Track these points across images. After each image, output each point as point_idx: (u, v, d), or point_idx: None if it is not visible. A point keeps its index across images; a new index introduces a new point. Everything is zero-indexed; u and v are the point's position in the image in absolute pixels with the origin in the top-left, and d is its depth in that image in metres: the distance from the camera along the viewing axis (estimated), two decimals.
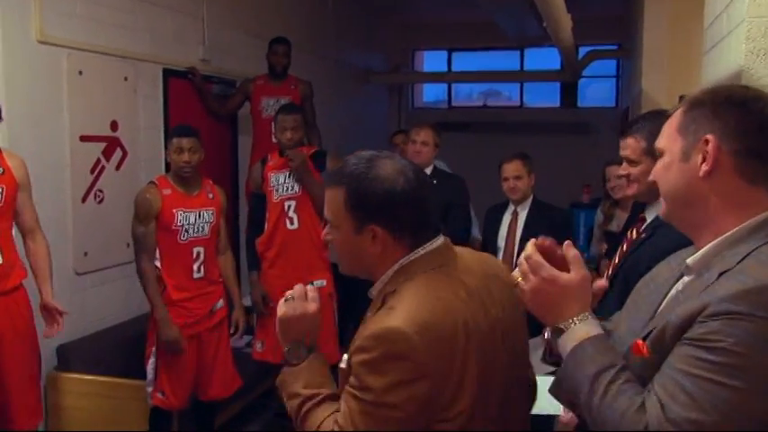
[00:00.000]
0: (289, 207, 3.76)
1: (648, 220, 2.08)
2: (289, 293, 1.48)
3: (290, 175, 3.73)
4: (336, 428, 1.29)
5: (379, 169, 1.36)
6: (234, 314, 3.55)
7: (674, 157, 1.18)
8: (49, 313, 3.05)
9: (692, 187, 1.15)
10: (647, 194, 2.04)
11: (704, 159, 1.13)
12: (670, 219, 1.24)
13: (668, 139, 1.20)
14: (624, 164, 2.10)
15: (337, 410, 1.32)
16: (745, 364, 0.99)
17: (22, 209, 2.99)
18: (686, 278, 1.20)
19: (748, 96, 1.14)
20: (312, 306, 1.46)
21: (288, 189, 3.75)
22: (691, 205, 1.17)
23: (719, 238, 1.14)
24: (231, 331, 3.54)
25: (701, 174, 1.13)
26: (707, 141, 1.12)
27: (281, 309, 1.46)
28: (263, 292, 3.80)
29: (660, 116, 2.09)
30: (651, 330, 1.13)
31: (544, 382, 1.53)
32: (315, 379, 1.41)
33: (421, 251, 1.37)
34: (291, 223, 3.76)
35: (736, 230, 1.12)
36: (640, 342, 1.14)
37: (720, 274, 1.08)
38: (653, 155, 2.01)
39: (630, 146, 2.08)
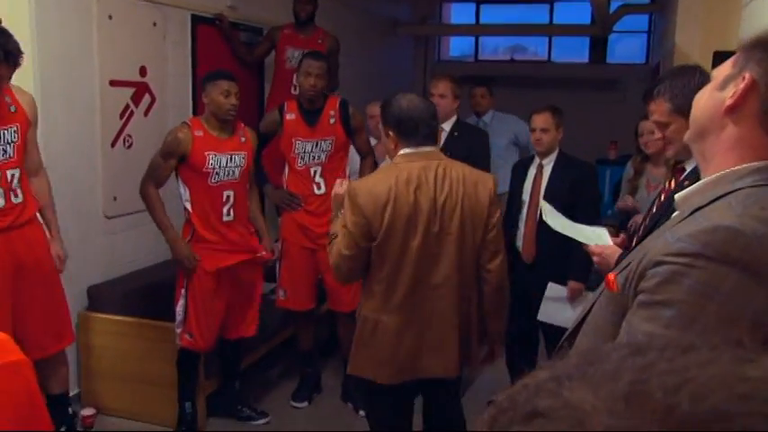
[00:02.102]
0: (315, 173, 3.77)
1: (688, 169, 2.08)
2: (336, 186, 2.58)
3: (316, 144, 3.74)
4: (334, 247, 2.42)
5: (394, 99, 2.46)
6: (263, 242, 3.60)
7: (714, 84, 1.16)
8: (56, 257, 3.12)
9: (712, 116, 1.13)
10: (684, 153, 2.05)
11: (734, 94, 1.10)
12: (689, 143, 1.23)
13: (721, 67, 1.17)
14: (656, 130, 2.11)
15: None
16: (694, 313, 0.99)
17: (30, 147, 3.01)
18: (675, 213, 1.21)
19: None
20: (341, 189, 2.49)
21: (314, 158, 3.76)
22: (705, 135, 1.15)
23: (711, 176, 1.12)
24: (264, 253, 3.57)
25: (723, 107, 1.11)
26: (744, 78, 1.09)
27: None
28: (287, 191, 3.83)
29: (680, 72, 2.09)
30: (629, 263, 1.14)
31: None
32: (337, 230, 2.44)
33: (409, 150, 2.39)
34: (319, 188, 3.79)
35: (729, 171, 1.10)
36: (612, 277, 1.17)
37: (693, 211, 1.08)
38: (681, 112, 2.01)
39: (657, 110, 2.08)
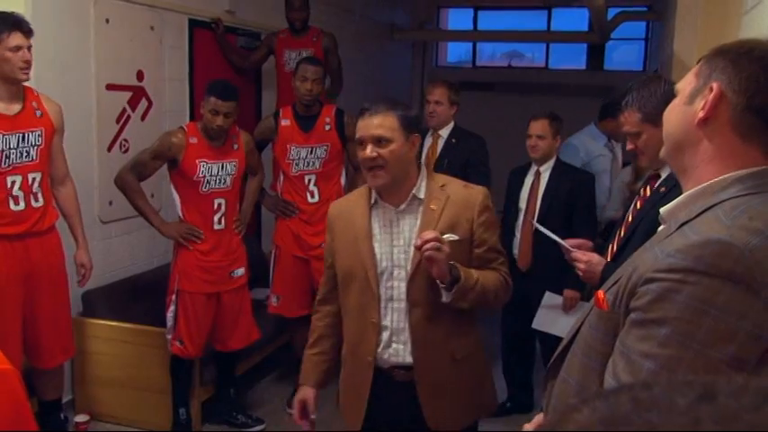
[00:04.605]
0: (309, 181, 3.75)
1: (663, 176, 2.08)
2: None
3: (311, 151, 3.72)
4: (504, 268, 2.24)
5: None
6: (241, 213, 3.56)
7: (681, 99, 1.15)
8: (80, 266, 3.17)
9: (686, 131, 1.12)
10: (658, 162, 2.06)
11: (704, 106, 1.09)
12: (666, 159, 1.22)
13: (685, 80, 1.16)
14: (628, 141, 2.11)
15: (494, 270, 2.19)
16: (690, 330, 0.97)
17: (56, 155, 3.05)
18: (661, 227, 1.19)
19: None
20: (443, 253, 2.02)
21: (308, 165, 3.74)
22: (682, 149, 1.14)
23: (694, 189, 1.11)
24: (235, 226, 3.51)
25: (695, 120, 1.09)
26: (711, 89, 1.08)
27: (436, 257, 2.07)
28: (281, 198, 3.82)
29: (646, 82, 2.09)
30: (618, 280, 1.12)
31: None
32: (472, 271, 2.10)
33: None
34: (312, 197, 3.76)
35: (712, 182, 1.09)
36: (602, 295, 1.15)
37: (681, 225, 1.06)
38: (651, 120, 2.02)
39: (628, 120, 2.08)
